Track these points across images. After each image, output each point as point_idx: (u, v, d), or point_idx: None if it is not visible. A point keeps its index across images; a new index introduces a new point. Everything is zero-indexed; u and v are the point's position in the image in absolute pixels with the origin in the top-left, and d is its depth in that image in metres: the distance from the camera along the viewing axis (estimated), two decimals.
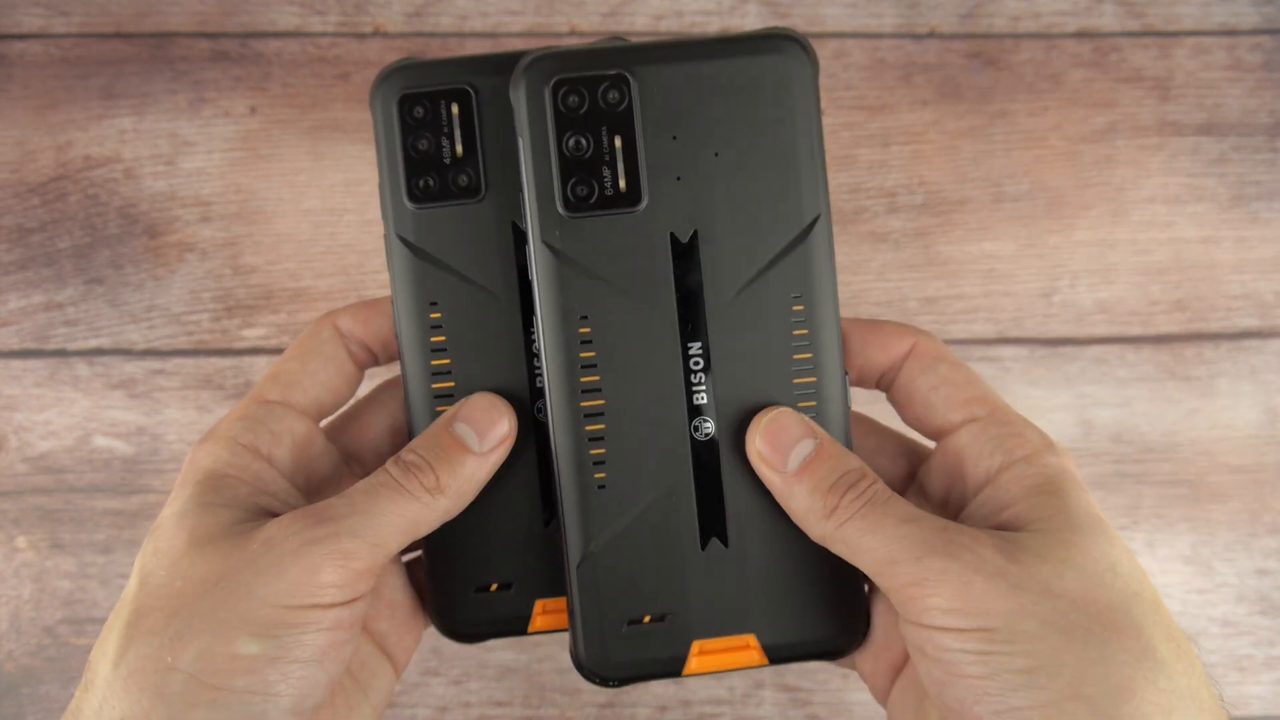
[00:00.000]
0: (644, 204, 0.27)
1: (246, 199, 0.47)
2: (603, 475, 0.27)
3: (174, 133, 0.47)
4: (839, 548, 0.25)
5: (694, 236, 0.27)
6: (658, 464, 0.28)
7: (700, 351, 0.27)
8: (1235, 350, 0.47)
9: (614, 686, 0.28)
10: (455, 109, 0.28)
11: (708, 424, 0.28)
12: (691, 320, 0.27)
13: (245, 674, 0.23)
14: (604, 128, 0.26)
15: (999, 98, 0.48)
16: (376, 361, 0.31)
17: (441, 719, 0.44)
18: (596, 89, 0.26)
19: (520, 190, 0.27)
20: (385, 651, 0.30)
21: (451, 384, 0.29)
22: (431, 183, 0.29)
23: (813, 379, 0.28)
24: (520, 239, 0.29)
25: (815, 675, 0.45)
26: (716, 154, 0.27)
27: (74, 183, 0.47)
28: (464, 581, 0.30)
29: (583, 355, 0.27)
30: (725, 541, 0.28)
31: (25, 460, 0.46)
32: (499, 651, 0.45)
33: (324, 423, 0.31)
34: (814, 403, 0.28)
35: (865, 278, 0.47)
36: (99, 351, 0.46)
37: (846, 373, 0.28)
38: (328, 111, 0.47)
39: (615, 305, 0.27)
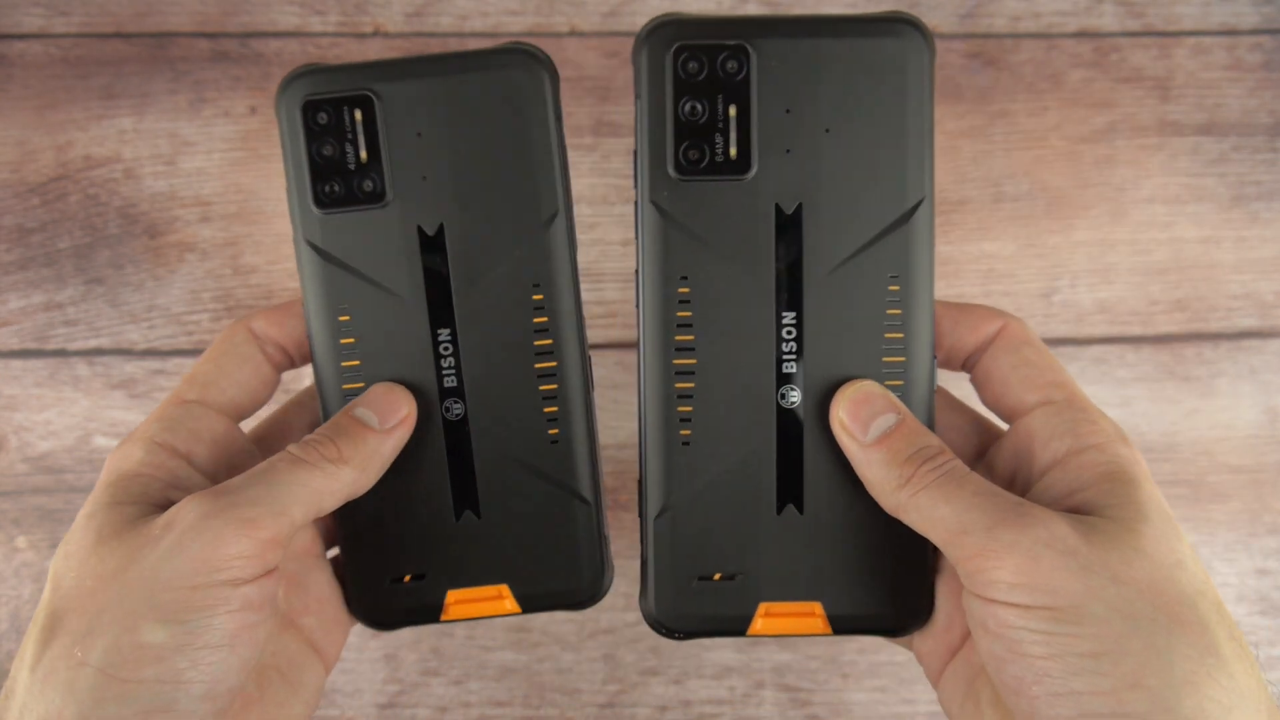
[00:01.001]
0: (753, 173, 0.27)
1: (246, 199, 0.47)
2: (688, 432, 0.28)
3: (174, 133, 0.47)
4: (911, 517, 0.26)
5: (798, 209, 0.28)
6: (742, 427, 0.28)
7: (794, 322, 0.28)
8: (1235, 350, 0.47)
9: (679, 639, 0.29)
10: (358, 115, 0.29)
11: (794, 393, 0.28)
12: (789, 291, 0.28)
13: (153, 663, 0.23)
14: (720, 95, 0.27)
15: (999, 98, 0.48)
16: (293, 364, 0.31)
17: (441, 719, 0.44)
18: (716, 57, 0.27)
19: (634, 150, 0.27)
20: (314, 647, 0.30)
21: (361, 384, 0.30)
22: (337, 188, 0.29)
23: (902, 359, 0.28)
24: (426, 244, 0.29)
25: (815, 675, 0.45)
26: (828, 130, 0.27)
27: (74, 183, 0.47)
28: (379, 573, 0.30)
29: (679, 315, 0.28)
30: (800, 509, 0.28)
31: (25, 460, 0.46)
32: (499, 652, 0.45)
33: (249, 429, 0.31)
34: (901, 382, 0.28)
35: None
36: (99, 351, 0.46)
37: (935, 356, 0.29)
38: None
39: (715, 269, 0.28)
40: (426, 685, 0.44)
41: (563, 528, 0.30)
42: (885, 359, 0.28)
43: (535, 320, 0.29)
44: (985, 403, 0.30)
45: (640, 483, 0.29)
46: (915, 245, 0.28)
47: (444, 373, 0.29)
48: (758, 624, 0.29)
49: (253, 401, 0.30)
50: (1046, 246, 0.48)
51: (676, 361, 0.28)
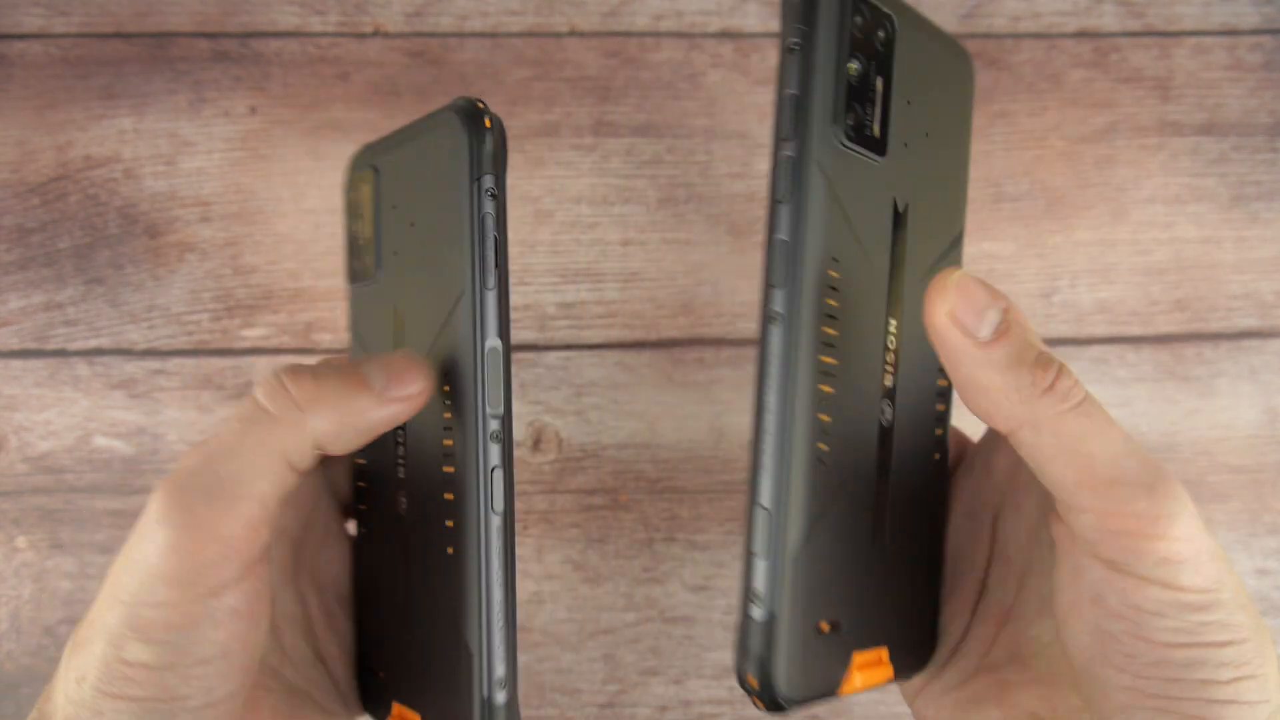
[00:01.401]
0: (885, 158, 0.24)
1: (246, 199, 0.47)
2: (826, 447, 0.23)
3: (174, 133, 0.47)
4: (1041, 438, 0.22)
5: (907, 209, 0.25)
6: (856, 444, 0.24)
7: (895, 330, 0.25)
8: (1235, 350, 0.47)
9: (790, 710, 0.23)
10: (366, 190, 0.29)
11: (889, 409, 0.25)
12: (890, 296, 0.25)
13: (143, 682, 0.21)
14: (874, 63, 0.24)
15: (999, 98, 0.48)
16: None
17: None
18: (877, 19, 0.24)
19: (785, 101, 0.23)
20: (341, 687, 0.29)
21: None
22: (356, 263, 0.29)
23: (946, 383, 0.26)
24: (397, 327, 0.27)
25: None
26: (927, 135, 0.25)
27: (74, 183, 0.47)
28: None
29: (829, 303, 0.23)
30: (886, 539, 0.25)
31: (25, 460, 0.46)
32: None
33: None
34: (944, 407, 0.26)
35: None
36: (99, 351, 0.46)
37: None
38: (328, 111, 0.47)
39: (855, 255, 0.24)
40: None
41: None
42: (939, 381, 0.26)
43: (444, 425, 0.25)
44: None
45: (752, 508, 0.23)
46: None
47: (885, 368, 0.25)
48: (854, 679, 0.24)
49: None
50: (1046, 246, 0.48)
51: (822, 359, 0.23)
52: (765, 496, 0.23)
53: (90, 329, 0.46)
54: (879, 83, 0.24)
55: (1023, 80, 0.48)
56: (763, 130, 0.47)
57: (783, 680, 0.23)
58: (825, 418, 0.23)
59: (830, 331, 0.23)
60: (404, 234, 0.27)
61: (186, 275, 0.47)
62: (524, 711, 0.45)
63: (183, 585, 0.21)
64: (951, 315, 0.22)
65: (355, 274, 0.29)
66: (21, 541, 0.45)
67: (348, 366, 0.24)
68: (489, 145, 0.25)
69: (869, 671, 0.25)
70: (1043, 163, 0.48)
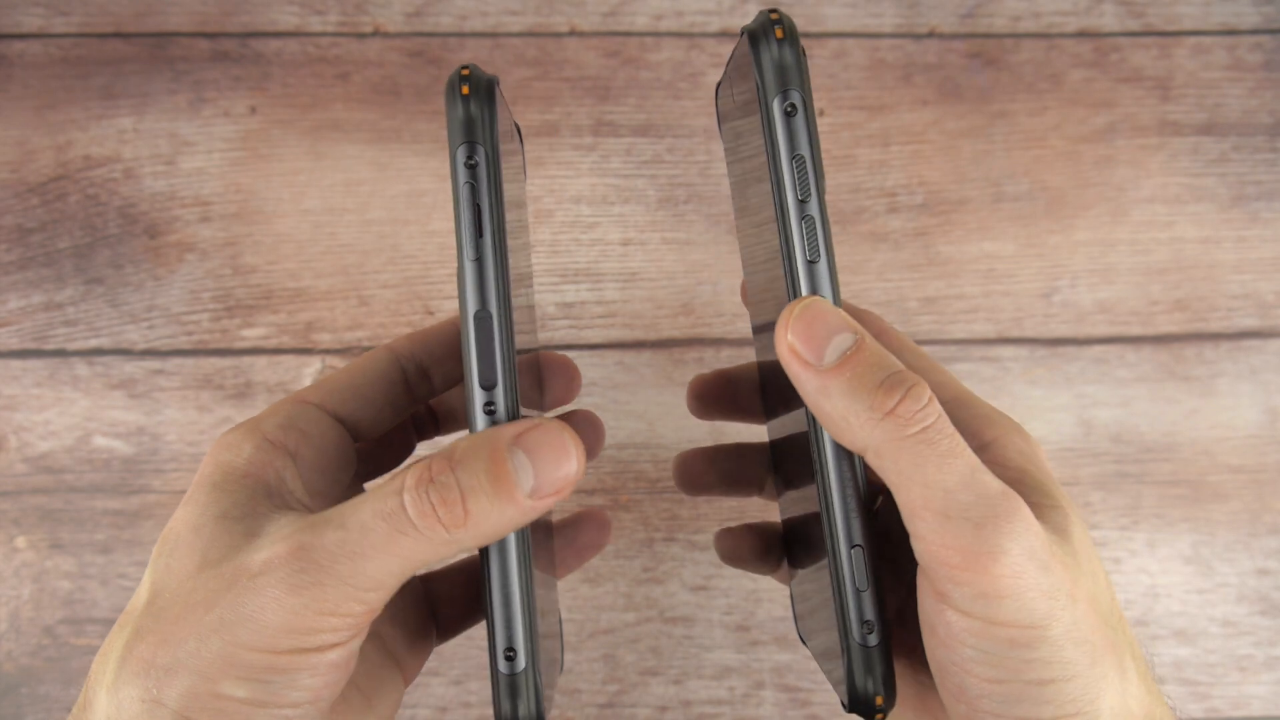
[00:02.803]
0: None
1: (246, 199, 0.47)
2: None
3: (174, 133, 0.47)
4: (883, 463, 0.21)
5: None
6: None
7: None
8: (1235, 350, 0.47)
9: None
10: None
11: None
12: None
13: (232, 715, 0.21)
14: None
15: (999, 98, 0.48)
16: (433, 390, 0.30)
17: (441, 719, 0.44)
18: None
19: (796, 167, 0.24)
20: (396, 660, 0.28)
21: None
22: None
23: None
24: None
25: (815, 675, 0.45)
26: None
27: (74, 183, 0.47)
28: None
29: None
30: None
31: (25, 460, 0.46)
32: None
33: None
34: None
35: (865, 278, 0.47)
36: (99, 351, 0.46)
37: None
38: (328, 111, 0.47)
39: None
40: (427, 685, 0.44)
41: None
42: None
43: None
44: None
45: (850, 549, 0.23)
46: None
47: None
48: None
49: (374, 419, 0.28)
50: (1046, 246, 0.48)
51: None
52: (858, 535, 0.23)
53: (90, 329, 0.46)
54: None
55: (1023, 80, 0.48)
56: None
57: (891, 694, 0.24)
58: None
59: None
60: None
61: (186, 275, 0.47)
62: None
63: (293, 641, 0.21)
64: (790, 344, 0.22)
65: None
66: (21, 541, 0.45)
67: (496, 459, 0.22)
68: (460, 113, 0.24)
69: None
70: (1043, 163, 0.48)
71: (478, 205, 0.24)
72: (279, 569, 0.22)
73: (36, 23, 0.48)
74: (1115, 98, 0.48)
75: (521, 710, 0.24)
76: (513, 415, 0.24)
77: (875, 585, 0.23)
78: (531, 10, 0.48)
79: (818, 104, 0.49)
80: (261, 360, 0.46)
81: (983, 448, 0.25)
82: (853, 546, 0.23)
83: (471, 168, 0.24)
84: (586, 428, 0.33)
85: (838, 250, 0.47)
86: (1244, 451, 0.46)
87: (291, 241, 0.47)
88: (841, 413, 0.22)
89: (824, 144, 0.48)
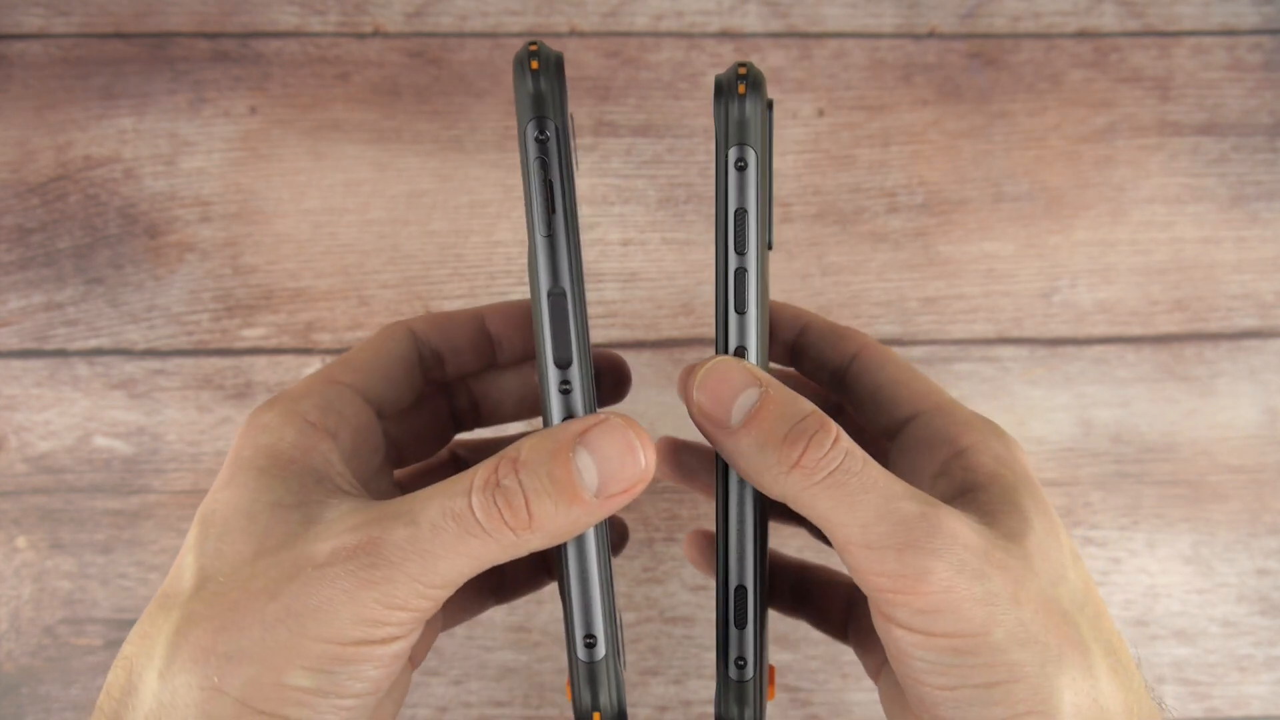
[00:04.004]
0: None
1: (246, 199, 0.47)
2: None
3: (174, 133, 0.47)
4: (803, 509, 0.23)
5: None
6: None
7: None
8: (1235, 350, 0.47)
9: None
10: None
11: None
12: None
13: (296, 704, 0.21)
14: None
15: (999, 98, 0.48)
16: (444, 375, 0.30)
17: (441, 719, 0.44)
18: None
19: (734, 222, 0.24)
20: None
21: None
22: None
23: None
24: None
25: (815, 675, 0.45)
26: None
27: (74, 183, 0.47)
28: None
29: None
30: None
31: (25, 460, 0.46)
32: (499, 652, 0.45)
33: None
34: None
35: (865, 278, 0.47)
36: (99, 351, 0.46)
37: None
38: (328, 111, 0.47)
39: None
40: (427, 685, 0.44)
41: None
42: None
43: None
44: (865, 426, 0.29)
45: (738, 589, 0.25)
46: None
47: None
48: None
49: (395, 400, 0.28)
50: (1046, 246, 0.48)
51: None
52: (746, 577, 0.25)
53: (90, 329, 0.46)
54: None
55: (1023, 80, 0.48)
56: None
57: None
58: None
59: None
60: None
61: (186, 275, 0.47)
62: (524, 711, 0.45)
63: (360, 633, 0.21)
64: (698, 406, 0.23)
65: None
66: (21, 541, 0.45)
67: (559, 460, 0.22)
68: (530, 88, 0.23)
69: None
70: (1043, 163, 0.48)
71: (549, 181, 0.24)
72: (348, 561, 0.21)
73: (37, 23, 0.48)
74: (1115, 98, 0.48)
75: (602, 698, 0.24)
76: (587, 394, 0.24)
77: (757, 623, 0.25)
78: (531, 10, 0.48)
79: (818, 104, 0.49)
80: (262, 360, 0.46)
81: (958, 454, 0.25)
82: (736, 587, 0.25)
83: (542, 143, 0.24)
84: (609, 370, 0.32)
85: (838, 250, 0.47)
86: (1244, 451, 0.46)
87: (291, 241, 0.47)
88: (756, 467, 0.23)
89: (824, 144, 0.48)
